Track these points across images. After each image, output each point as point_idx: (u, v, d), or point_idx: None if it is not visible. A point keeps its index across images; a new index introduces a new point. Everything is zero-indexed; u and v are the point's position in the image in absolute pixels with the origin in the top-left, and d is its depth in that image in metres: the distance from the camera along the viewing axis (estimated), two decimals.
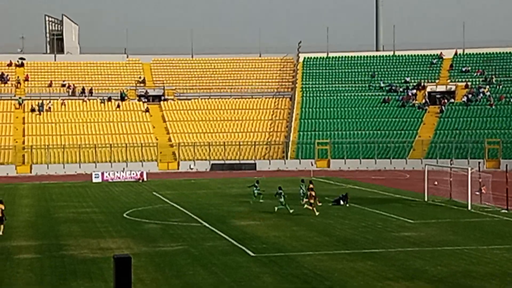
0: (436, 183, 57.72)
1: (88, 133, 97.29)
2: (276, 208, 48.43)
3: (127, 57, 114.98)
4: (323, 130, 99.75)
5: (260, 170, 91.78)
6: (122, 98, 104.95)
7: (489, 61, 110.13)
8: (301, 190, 53.82)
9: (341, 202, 52.41)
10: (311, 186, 50.59)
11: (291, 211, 47.78)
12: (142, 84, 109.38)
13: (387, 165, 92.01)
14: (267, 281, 27.77)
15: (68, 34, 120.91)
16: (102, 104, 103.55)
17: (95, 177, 77.07)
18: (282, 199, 48.48)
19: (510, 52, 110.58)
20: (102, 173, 78.34)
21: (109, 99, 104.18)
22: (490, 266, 30.14)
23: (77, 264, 31.45)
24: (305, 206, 48.02)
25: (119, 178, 77.70)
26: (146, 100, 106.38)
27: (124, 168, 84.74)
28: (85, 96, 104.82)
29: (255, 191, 54.86)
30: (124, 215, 48.11)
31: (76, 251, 34.65)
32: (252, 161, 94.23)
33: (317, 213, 46.73)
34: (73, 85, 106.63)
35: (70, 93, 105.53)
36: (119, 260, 19.88)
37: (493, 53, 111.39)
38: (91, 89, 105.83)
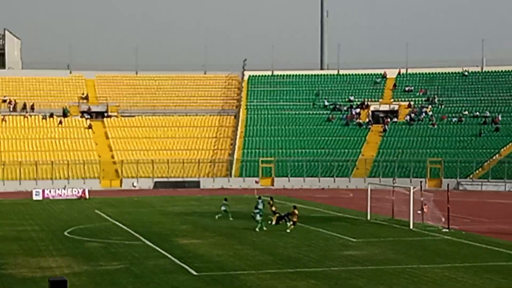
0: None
1: (29, 150, 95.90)
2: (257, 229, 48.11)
3: (70, 72, 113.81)
4: (267, 148, 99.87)
5: (204, 188, 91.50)
6: (65, 114, 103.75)
7: (431, 80, 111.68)
8: (259, 208, 53.52)
9: (285, 220, 52.03)
10: (271, 202, 51.51)
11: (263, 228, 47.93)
12: (85, 100, 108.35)
13: (331, 184, 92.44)
14: None
15: (10, 49, 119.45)
16: (44, 120, 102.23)
17: (35, 195, 75.87)
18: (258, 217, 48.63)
19: (452, 72, 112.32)
20: (43, 190, 77.16)
21: (51, 115, 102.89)
22: (431, 284, 30.33)
23: (15, 283, 30.82)
24: (288, 229, 47.88)
25: (60, 195, 76.63)
26: (89, 116, 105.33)
27: (65, 186, 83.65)
28: (27, 112, 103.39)
29: (223, 208, 55.08)
30: (65, 233, 47.40)
31: (15, 270, 33.96)
32: (196, 179, 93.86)
33: (288, 231, 46.97)
34: (14, 100, 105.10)
35: (11, 109, 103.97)
36: (54, 284, 19.44)
37: (435, 73, 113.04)
38: (32, 105, 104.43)
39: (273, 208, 53.00)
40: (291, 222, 48.41)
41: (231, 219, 53.94)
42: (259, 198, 54.82)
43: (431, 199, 52.32)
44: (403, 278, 31.67)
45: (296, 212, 49.13)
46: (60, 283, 19.57)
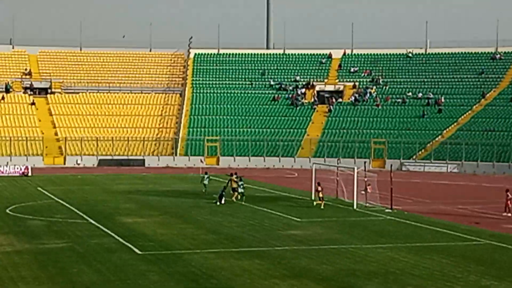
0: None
1: None
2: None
3: (13, 47, 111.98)
4: (213, 127, 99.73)
5: (148, 166, 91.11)
6: (7, 90, 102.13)
7: (376, 61, 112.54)
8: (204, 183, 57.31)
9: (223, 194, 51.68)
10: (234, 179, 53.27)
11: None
12: (28, 76, 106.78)
13: (276, 163, 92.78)
14: (153, 279, 27.45)
15: None
16: None
17: None
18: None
19: (396, 54, 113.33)
20: None
21: None
22: (373, 264, 30.68)
23: None
24: (315, 203, 50.04)
25: (2, 172, 75.58)
26: (32, 92, 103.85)
27: (8, 162, 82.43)
28: None
29: (205, 182, 58.18)
30: (7, 211, 46.79)
31: None
32: (141, 157, 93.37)
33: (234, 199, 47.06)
34: None
35: None
36: None
37: (380, 54, 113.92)
38: None
39: (234, 185, 53.02)
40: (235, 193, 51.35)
41: (203, 190, 57.11)
42: (206, 173, 57.56)
43: (375, 180, 52.83)
44: (346, 258, 31.96)
45: (234, 178, 52.62)
46: None
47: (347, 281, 27.56)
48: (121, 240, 35.94)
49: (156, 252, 32.80)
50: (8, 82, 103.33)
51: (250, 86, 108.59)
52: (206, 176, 58.50)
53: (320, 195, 50.07)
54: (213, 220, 43.42)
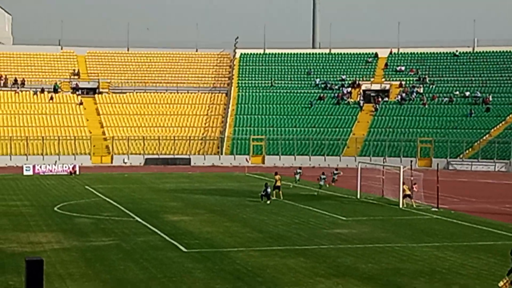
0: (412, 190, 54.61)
1: (20, 125, 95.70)
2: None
3: (62, 48, 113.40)
4: (258, 126, 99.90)
5: (194, 165, 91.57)
6: (56, 90, 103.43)
7: (423, 60, 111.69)
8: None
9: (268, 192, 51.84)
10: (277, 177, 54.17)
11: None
12: (76, 77, 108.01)
13: (321, 162, 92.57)
14: (199, 277, 27.62)
15: (1, 24, 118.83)
16: (35, 96, 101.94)
17: (26, 170, 75.88)
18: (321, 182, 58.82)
19: (443, 52, 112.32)
20: (34, 166, 77.18)
21: (42, 91, 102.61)
22: (419, 263, 30.51)
23: (5, 258, 30.84)
24: (405, 204, 49.58)
25: (50, 171, 76.62)
26: (80, 93, 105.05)
27: (56, 161, 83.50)
28: (18, 88, 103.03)
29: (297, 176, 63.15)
30: (55, 208, 47.41)
31: (5, 245, 33.98)
32: (187, 156, 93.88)
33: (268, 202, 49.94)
34: (5, 76, 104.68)
35: (2, 84, 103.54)
36: (31, 263, 19.38)
37: (427, 53, 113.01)
38: (23, 81, 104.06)
39: (278, 183, 53.55)
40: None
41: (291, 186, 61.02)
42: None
43: (421, 179, 52.51)
44: (392, 257, 31.83)
45: (277, 178, 53.72)
46: (36, 262, 19.47)
47: (392, 280, 27.45)
48: (167, 238, 36.20)
49: (202, 250, 32.99)
50: (56, 83, 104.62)
51: (296, 85, 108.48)
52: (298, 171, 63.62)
53: (407, 192, 49.58)
54: (258, 219, 43.52)
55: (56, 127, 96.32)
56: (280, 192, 53.56)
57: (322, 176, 59.52)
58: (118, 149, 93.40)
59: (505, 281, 25.37)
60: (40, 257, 20.74)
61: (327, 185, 61.25)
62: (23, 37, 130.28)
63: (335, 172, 64.76)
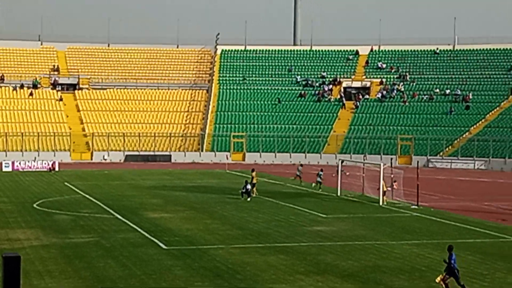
0: (347, 173, 58.13)
1: None
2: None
3: (41, 44, 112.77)
4: (239, 123, 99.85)
5: (175, 162, 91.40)
6: (35, 86, 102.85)
7: (403, 58, 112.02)
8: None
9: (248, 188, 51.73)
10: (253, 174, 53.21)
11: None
12: (56, 72, 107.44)
13: (302, 159, 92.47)
14: (179, 274, 27.55)
15: None
16: (14, 92, 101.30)
17: (5, 166, 75.43)
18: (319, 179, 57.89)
19: (423, 50, 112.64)
20: (13, 162, 76.69)
21: (22, 86, 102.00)
22: (399, 261, 30.57)
23: None
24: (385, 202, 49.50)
25: (30, 167, 76.21)
26: (60, 88, 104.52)
27: (35, 158, 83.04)
28: None
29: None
30: (34, 205, 47.16)
31: None
32: (168, 153, 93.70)
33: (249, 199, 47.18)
34: None
35: None
36: (8, 259, 19.24)
37: (407, 50, 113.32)
38: (2, 76, 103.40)
39: (254, 181, 53.28)
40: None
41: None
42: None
43: (401, 176, 52.65)
44: (372, 254, 31.88)
45: (254, 174, 53.01)
46: (13, 258, 19.32)
47: (372, 277, 27.49)
48: (147, 235, 36.10)
49: (182, 247, 32.91)
50: (36, 78, 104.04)
51: (277, 82, 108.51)
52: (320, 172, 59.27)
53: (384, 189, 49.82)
54: (239, 216, 43.48)
55: (36, 123, 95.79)
56: (255, 188, 53.23)
57: (320, 173, 59.01)
58: (98, 146, 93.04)
59: (441, 277, 25.38)
60: (17, 253, 20.58)
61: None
62: (2, 32, 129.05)
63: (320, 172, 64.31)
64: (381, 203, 49.19)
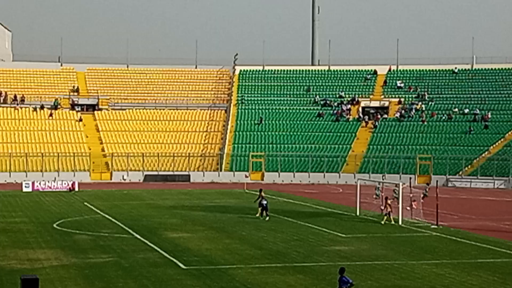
0: (411, 207, 54.82)
1: (19, 142, 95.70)
2: None
3: (61, 65, 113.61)
4: (258, 143, 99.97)
5: (194, 181, 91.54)
6: (55, 106, 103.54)
7: (421, 77, 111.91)
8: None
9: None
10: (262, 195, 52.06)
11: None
12: (75, 93, 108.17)
13: (321, 179, 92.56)
14: None
15: (1, 41, 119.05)
16: (35, 113, 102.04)
17: (25, 187, 75.81)
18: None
19: (442, 70, 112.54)
20: (33, 183, 77.09)
21: (42, 107, 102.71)
22: (419, 281, 30.46)
23: (4, 275, 30.77)
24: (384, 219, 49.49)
25: (50, 187, 76.58)
26: (79, 109, 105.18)
27: (55, 178, 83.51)
28: (17, 104, 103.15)
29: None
30: (54, 225, 47.36)
31: (3, 261, 33.93)
32: (186, 173, 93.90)
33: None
34: (5, 92, 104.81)
35: (1, 101, 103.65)
36: (26, 282, 19.38)
37: (425, 70, 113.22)
38: (23, 97, 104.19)
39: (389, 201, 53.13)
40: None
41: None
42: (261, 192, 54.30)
43: (420, 196, 52.48)
44: (391, 274, 31.79)
45: (262, 194, 52.66)
46: (31, 281, 19.46)
47: None
48: (166, 254, 36.16)
49: (201, 267, 32.95)
50: (56, 99, 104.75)
51: (295, 102, 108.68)
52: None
53: (388, 209, 49.64)
54: (258, 236, 43.46)
55: (56, 143, 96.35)
56: (260, 208, 52.86)
57: (378, 186, 57.00)
58: (118, 166, 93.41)
59: None
60: (35, 275, 20.76)
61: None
62: (23, 54, 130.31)
63: (426, 187, 63.58)
64: (400, 223, 48.99)
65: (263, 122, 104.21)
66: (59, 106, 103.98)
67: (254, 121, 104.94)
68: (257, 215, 52.09)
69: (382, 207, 50.93)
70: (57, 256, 35.57)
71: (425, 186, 66.73)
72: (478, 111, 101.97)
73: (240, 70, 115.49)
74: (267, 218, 50.81)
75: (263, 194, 53.83)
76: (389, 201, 49.99)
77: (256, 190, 63.66)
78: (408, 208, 51.43)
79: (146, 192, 75.44)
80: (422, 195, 58.60)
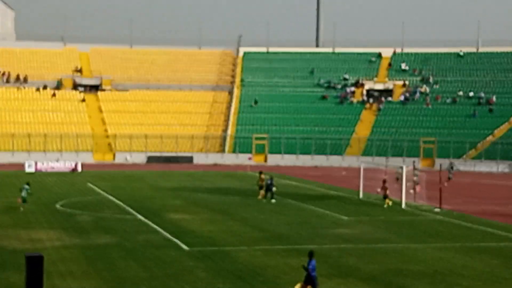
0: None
1: (22, 122, 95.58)
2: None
3: (64, 45, 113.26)
4: (261, 125, 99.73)
5: (197, 163, 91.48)
6: (58, 87, 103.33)
7: (426, 60, 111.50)
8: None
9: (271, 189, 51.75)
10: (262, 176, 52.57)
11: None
12: (79, 73, 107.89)
13: (324, 162, 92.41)
14: (200, 276, 27.53)
15: (4, 20, 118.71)
16: (37, 92, 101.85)
17: (28, 167, 75.80)
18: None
19: (447, 52, 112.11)
20: (36, 163, 77.06)
21: (45, 87, 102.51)
22: (422, 264, 30.38)
23: (6, 255, 30.77)
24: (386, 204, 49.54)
25: (52, 168, 76.56)
26: (82, 89, 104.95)
27: (58, 158, 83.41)
28: (20, 84, 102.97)
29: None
30: (57, 206, 47.34)
31: (5, 241, 33.91)
32: (189, 154, 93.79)
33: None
34: (8, 72, 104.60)
35: (4, 81, 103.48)
36: (31, 259, 19.34)
37: (430, 53, 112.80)
38: (26, 77, 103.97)
39: (261, 183, 53.11)
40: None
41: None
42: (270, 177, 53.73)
43: (423, 179, 52.38)
44: (394, 257, 31.71)
45: (262, 177, 52.62)
46: (36, 258, 19.40)
47: (394, 281, 27.34)
48: (168, 236, 36.11)
49: (203, 249, 32.90)
50: (59, 79, 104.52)
51: (299, 84, 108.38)
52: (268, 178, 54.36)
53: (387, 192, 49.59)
54: (260, 218, 43.41)
55: (59, 124, 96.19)
56: (262, 190, 52.80)
57: (399, 171, 56.86)
58: (121, 147, 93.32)
59: (300, 285, 24.19)
60: (40, 253, 20.69)
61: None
62: (26, 33, 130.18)
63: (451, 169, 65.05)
64: (403, 206, 48.88)
65: (263, 104, 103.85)
66: (62, 86, 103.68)
67: (258, 103, 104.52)
68: (259, 197, 51.99)
69: (379, 190, 50.78)
70: (59, 236, 35.54)
71: (448, 169, 66.83)
72: (483, 95, 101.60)
73: (244, 52, 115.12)
74: (273, 200, 50.70)
75: (262, 176, 53.66)
76: (386, 184, 49.90)
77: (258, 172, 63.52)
78: (412, 191, 51.32)
79: (149, 174, 75.38)
80: (447, 178, 58.81)
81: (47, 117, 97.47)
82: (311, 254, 24.06)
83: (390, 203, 49.26)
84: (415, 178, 51.80)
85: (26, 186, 46.63)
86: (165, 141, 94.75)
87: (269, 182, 52.19)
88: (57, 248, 32.43)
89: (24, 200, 45.91)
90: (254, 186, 56.55)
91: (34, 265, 19.40)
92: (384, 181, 50.25)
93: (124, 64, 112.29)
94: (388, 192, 49.60)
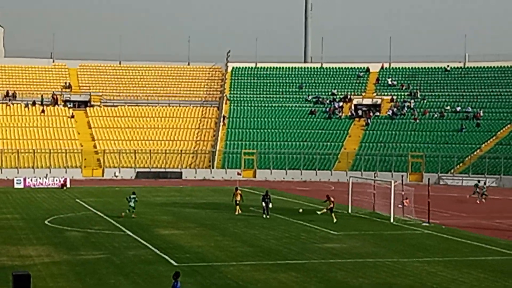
0: (403, 205, 53.75)
1: (11, 138, 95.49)
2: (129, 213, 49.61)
3: (53, 61, 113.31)
4: (250, 140, 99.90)
5: (186, 178, 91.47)
6: (47, 103, 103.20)
7: (414, 75, 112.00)
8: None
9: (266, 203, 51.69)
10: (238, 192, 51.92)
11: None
12: (68, 90, 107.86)
13: (313, 176, 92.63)
14: None
15: None
16: (26, 109, 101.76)
17: (17, 183, 75.64)
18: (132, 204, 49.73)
19: (434, 67, 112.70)
20: (25, 179, 76.95)
21: (34, 103, 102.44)
22: (410, 278, 30.50)
23: None
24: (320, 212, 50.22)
25: (41, 184, 76.43)
26: (71, 105, 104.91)
27: (47, 174, 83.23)
28: (9, 100, 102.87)
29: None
30: (46, 222, 47.27)
31: None
32: (178, 170, 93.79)
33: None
34: None
35: None
36: (18, 278, 19.35)
37: (418, 67, 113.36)
38: (14, 93, 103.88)
39: (238, 198, 53.07)
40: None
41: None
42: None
43: (412, 194, 52.54)
44: (383, 272, 31.82)
45: (238, 193, 52.69)
46: (23, 277, 19.42)
47: None
48: (157, 251, 36.13)
49: (193, 264, 32.93)
50: (50, 95, 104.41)
51: (288, 99, 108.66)
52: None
53: (330, 206, 49.47)
54: (250, 233, 43.47)
55: (47, 140, 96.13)
56: (238, 207, 52.96)
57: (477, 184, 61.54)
58: (109, 163, 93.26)
59: None
60: (27, 271, 20.71)
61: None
62: (15, 50, 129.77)
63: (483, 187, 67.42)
64: (391, 220, 49.00)
65: (252, 119, 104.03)
66: (51, 103, 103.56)
67: (246, 118, 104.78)
68: (236, 213, 51.98)
69: (328, 202, 50.40)
70: (48, 252, 35.50)
71: (481, 186, 67.40)
72: (470, 109, 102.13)
73: (233, 67, 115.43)
74: (267, 216, 50.68)
75: (238, 192, 53.35)
76: (331, 198, 49.83)
77: (247, 187, 63.71)
78: (400, 206, 51.47)
79: (138, 189, 75.14)
80: (481, 195, 59.90)
81: (36, 133, 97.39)
82: (176, 275, 22.47)
83: (335, 220, 48.90)
84: (403, 192, 51.92)
85: (133, 196, 49.74)
86: (154, 156, 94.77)
87: (266, 198, 51.62)
88: (46, 264, 32.41)
89: (133, 208, 49.29)
90: (246, 202, 56.58)
91: (22, 283, 19.41)
92: (328, 196, 50.20)
93: (113, 80, 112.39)
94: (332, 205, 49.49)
